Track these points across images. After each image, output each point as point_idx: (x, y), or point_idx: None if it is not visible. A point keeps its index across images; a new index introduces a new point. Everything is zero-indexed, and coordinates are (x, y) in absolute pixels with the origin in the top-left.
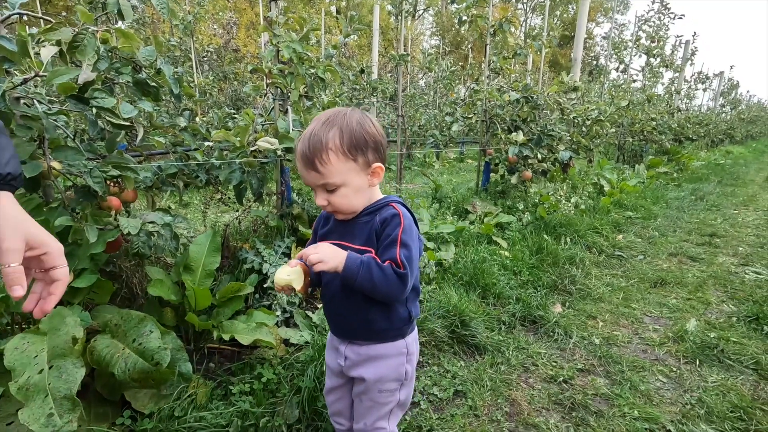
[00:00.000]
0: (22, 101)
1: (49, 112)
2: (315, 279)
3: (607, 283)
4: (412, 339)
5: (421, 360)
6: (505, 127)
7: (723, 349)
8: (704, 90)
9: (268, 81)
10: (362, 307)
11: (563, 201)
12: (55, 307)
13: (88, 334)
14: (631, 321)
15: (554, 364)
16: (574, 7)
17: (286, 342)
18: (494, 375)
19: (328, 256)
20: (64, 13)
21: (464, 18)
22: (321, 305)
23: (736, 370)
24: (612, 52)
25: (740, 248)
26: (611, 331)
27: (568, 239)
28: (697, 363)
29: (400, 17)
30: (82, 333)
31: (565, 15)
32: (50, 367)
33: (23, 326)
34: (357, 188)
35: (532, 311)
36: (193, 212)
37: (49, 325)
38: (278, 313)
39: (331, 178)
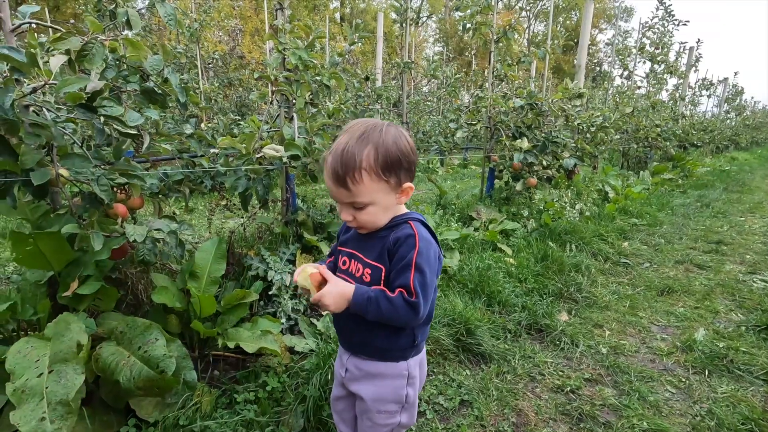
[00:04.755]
0: (31, 109)
1: (57, 120)
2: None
3: (614, 291)
4: (415, 363)
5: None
6: (510, 134)
7: (732, 359)
8: (709, 96)
9: (273, 88)
10: (365, 325)
11: (568, 208)
12: (60, 314)
13: (94, 341)
14: (638, 330)
15: (561, 373)
16: (577, 14)
17: (290, 349)
18: (500, 384)
19: (335, 302)
20: (72, 21)
21: (469, 26)
22: (325, 312)
23: (746, 381)
24: (616, 58)
25: (747, 256)
26: (618, 340)
27: (573, 246)
28: (707, 373)
29: (404, 25)
30: (86, 339)
31: (567, 21)
32: (50, 372)
33: (29, 332)
34: (385, 207)
35: (538, 319)
36: (198, 218)
37: (53, 330)
38: (283, 320)
39: (361, 197)
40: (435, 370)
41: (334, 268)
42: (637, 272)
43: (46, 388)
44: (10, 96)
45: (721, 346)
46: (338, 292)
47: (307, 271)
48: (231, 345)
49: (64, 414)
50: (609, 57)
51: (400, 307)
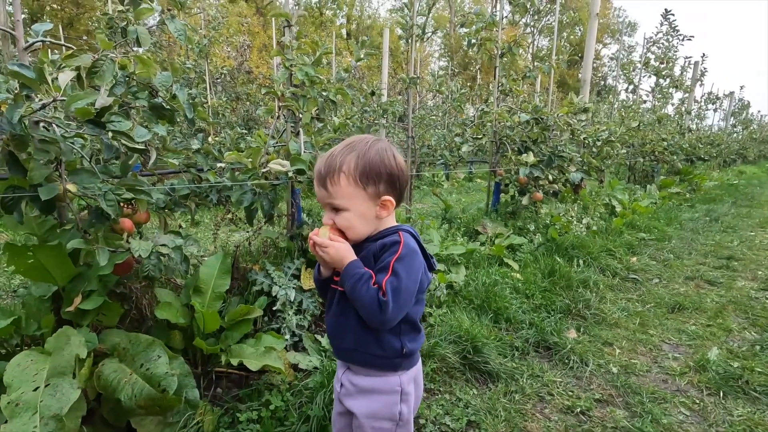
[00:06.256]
0: (41, 124)
1: (66, 135)
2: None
3: (623, 307)
4: (408, 379)
5: (432, 387)
6: (515, 148)
7: (748, 380)
8: (715, 110)
9: (280, 104)
10: (354, 325)
11: (575, 222)
12: (62, 327)
13: (96, 357)
14: (649, 348)
15: (570, 393)
16: (581, 29)
17: (294, 366)
18: (508, 405)
19: (334, 255)
20: (85, 37)
21: (474, 41)
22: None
23: (762, 403)
24: (621, 72)
25: (759, 272)
26: (629, 359)
27: (580, 261)
28: (721, 395)
29: (410, 41)
30: (85, 352)
31: (572, 36)
32: (47, 385)
33: (32, 347)
34: (361, 215)
35: (546, 337)
36: (203, 231)
37: (54, 344)
38: (287, 336)
39: (337, 199)
40: (441, 389)
41: (330, 279)
42: (647, 288)
43: (41, 401)
44: (19, 112)
45: (735, 366)
46: (344, 249)
47: (328, 228)
48: (234, 362)
49: (55, 429)
50: (613, 71)
51: (371, 298)
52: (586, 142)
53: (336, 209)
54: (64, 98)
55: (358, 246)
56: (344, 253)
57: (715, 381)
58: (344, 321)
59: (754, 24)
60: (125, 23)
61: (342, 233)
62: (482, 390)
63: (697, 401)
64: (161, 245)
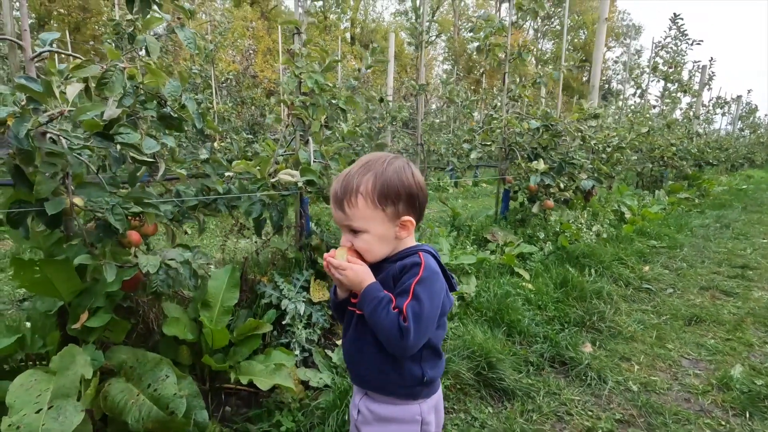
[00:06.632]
0: (48, 136)
1: (73, 147)
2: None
3: (638, 319)
4: (429, 407)
5: (446, 406)
6: (525, 155)
7: None
8: (723, 114)
9: (289, 112)
10: (372, 350)
11: (584, 229)
12: (67, 345)
13: (102, 374)
14: (668, 364)
15: (590, 413)
16: (585, 32)
17: (305, 383)
18: (525, 425)
19: (353, 277)
20: (91, 42)
21: (482, 47)
22: (340, 342)
23: None
24: (628, 76)
25: None
26: (648, 376)
27: (592, 270)
28: (747, 416)
29: (420, 47)
30: (91, 373)
31: (575, 40)
32: (50, 407)
33: (37, 363)
34: (380, 237)
35: (561, 351)
36: (209, 236)
37: (59, 363)
38: (297, 352)
39: (356, 222)
40: (455, 407)
41: (346, 301)
42: (661, 299)
43: (42, 425)
44: (26, 126)
45: (760, 384)
46: (363, 272)
47: (345, 249)
48: (244, 381)
49: None
50: (617, 75)
51: (391, 323)
52: (596, 148)
53: (354, 231)
54: (72, 109)
55: (376, 266)
56: (363, 276)
57: (740, 400)
58: (362, 346)
59: (754, 24)
60: (132, 29)
61: (359, 254)
62: (498, 408)
63: (723, 422)
64: (169, 260)
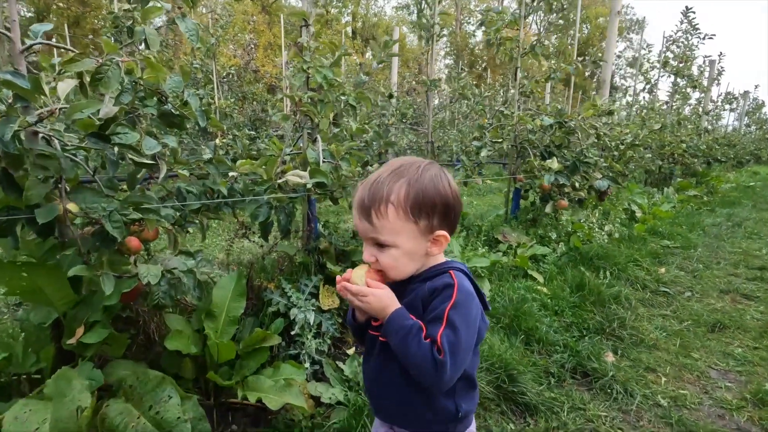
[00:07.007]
0: (40, 136)
1: (67, 147)
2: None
3: (659, 326)
4: None
5: None
6: (538, 153)
7: None
8: (731, 110)
9: (297, 108)
10: (399, 381)
11: (596, 229)
12: (65, 360)
13: (100, 391)
14: (696, 375)
15: (620, 431)
16: (588, 27)
17: (316, 399)
18: None
19: (374, 304)
20: (90, 36)
21: (493, 41)
22: (351, 351)
23: None
24: (638, 71)
25: None
26: (677, 389)
27: (607, 273)
28: None
29: (431, 41)
30: (89, 400)
31: (579, 34)
32: None
33: (30, 380)
34: (409, 253)
35: (582, 361)
36: (212, 237)
37: (53, 389)
38: (307, 364)
39: (383, 235)
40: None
41: (366, 324)
42: (680, 303)
43: None
44: (11, 127)
45: None
46: (386, 297)
47: (363, 270)
48: (252, 399)
49: None
50: (620, 69)
51: (425, 357)
52: (609, 145)
53: (381, 245)
54: (66, 107)
55: (401, 285)
56: (387, 301)
57: None
58: (388, 377)
59: (754, 24)
60: (131, 22)
61: (379, 272)
62: (520, 424)
63: None
64: (172, 269)
